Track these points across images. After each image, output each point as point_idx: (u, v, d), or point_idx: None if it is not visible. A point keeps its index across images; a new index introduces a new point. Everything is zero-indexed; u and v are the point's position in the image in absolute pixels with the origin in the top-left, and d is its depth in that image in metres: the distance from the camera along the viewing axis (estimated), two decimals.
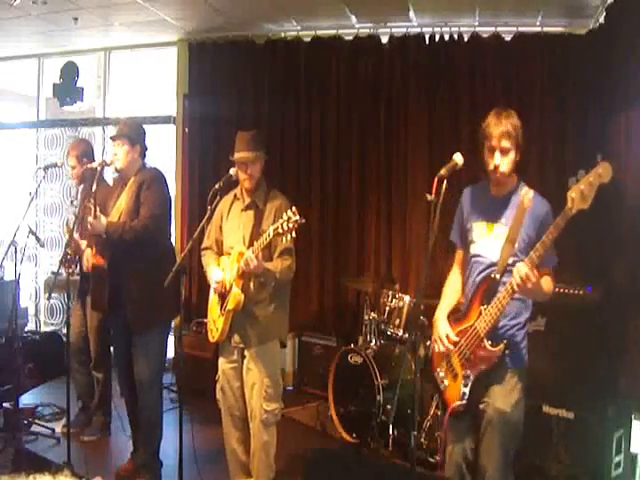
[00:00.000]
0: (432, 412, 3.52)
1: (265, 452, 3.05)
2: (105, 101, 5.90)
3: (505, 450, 2.35)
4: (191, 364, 4.64)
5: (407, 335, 3.84)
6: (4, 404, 3.92)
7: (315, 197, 4.99)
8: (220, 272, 3.02)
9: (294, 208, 2.63)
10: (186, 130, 5.40)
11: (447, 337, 2.41)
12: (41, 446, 3.69)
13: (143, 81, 5.90)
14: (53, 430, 3.90)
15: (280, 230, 2.62)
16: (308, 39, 5.01)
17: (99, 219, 3.09)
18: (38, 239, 3.91)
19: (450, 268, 2.67)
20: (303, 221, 2.59)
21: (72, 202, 4.07)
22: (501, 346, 2.27)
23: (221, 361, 3.13)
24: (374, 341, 4.12)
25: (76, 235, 3.60)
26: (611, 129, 3.84)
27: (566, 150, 4.33)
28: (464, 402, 2.34)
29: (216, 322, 3.04)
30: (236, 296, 2.89)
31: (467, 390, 2.34)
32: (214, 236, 3.18)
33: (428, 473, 3.38)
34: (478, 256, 2.44)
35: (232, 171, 3.02)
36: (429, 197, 2.26)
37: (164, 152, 5.47)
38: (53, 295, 5.65)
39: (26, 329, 5.63)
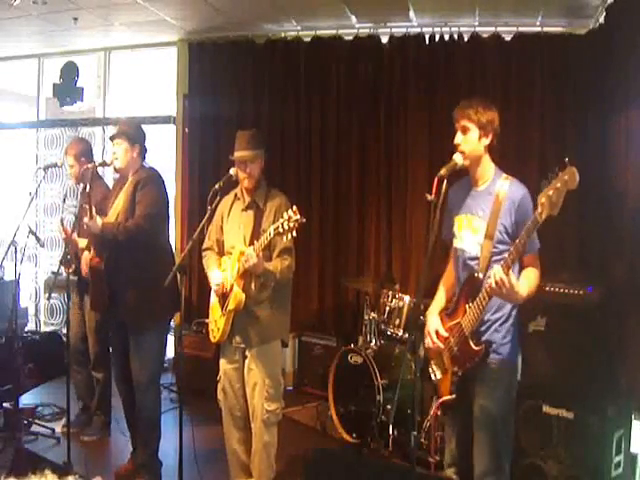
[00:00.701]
0: (432, 412, 3.51)
1: (266, 452, 3.05)
2: (105, 101, 5.90)
3: (494, 448, 2.34)
4: (191, 364, 4.63)
5: (407, 335, 3.84)
6: (4, 404, 3.92)
7: (315, 197, 4.99)
8: (220, 274, 3.02)
9: (295, 207, 2.63)
10: (186, 130, 5.40)
11: (437, 333, 2.45)
12: (41, 446, 3.69)
13: (143, 81, 5.90)
14: (53, 430, 3.90)
15: (281, 230, 2.62)
16: (308, 39, 5.01)
17: (95, 219, 3.09)
18: (38, 239, 3.91)
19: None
20: (304, 220, 2.59)
21: (64, 200, 4.07)
22: (482, 347, 2.29)
23: (222, 362, 3.13)
24: (374, 341, 4.12)
25: (74, 235, 3.60)
26: (611, 129, 3.84)
27: (566, 150, 4.33)
28: (454, 397, 2.38)
29: (217, 322, 3.04)
30: (237, 296, 2.89)
31: (455, 386, 2.38)
32: (215, 236, 3.18)
33: (428, 473, 3.38)
34: (459, 250, 2.49)
35: (232, 171, 3.02)
36: (429, 197, 2.26)
37: (164, 152, 5.46)
38: (53, 295, 5.65)
39: (26, 329, 5.63)
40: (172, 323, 4.27)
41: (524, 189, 2.35)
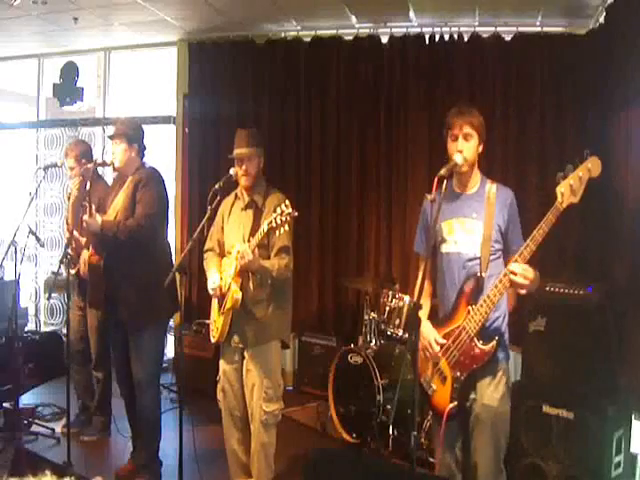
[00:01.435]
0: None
1: (264, 453, 3.05)
2: (105, 101, 5.90)
3: (496, 446, 2.36)
4: (191, 364, 4.63)
5: (407, 335, 3.84)
6: (4, 404, 3.92)
7: (315, 197, 4.99)
8: (217, 277, 3.01)
9: (287, 201, 2.65)
10: (186, 130, 5.40)
11: (435, 341, 2.38)
12: (41, 446, 3.68)
13: (143, 81, 5.90)
14: (53, 430, 3.90)
15: (274, 224, 2.62)
16: (308, 39, 5.01)
17: (94, 217, 3.10)
18: (38, 239, 3.91)
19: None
20: (296, 214, 2.61)
21: (69, 198, 4.08)
22: (493, 343, 2.28)
23: (222, 362, 3.13)
24: (374, 341, 4.12)
25: (76, 233, 3.61)
26: (611, 129, 3.84)
27: (566, 150, 4.32)
28: (455, 403, 2.34)
29: (216, 322, 3.04)
30: (234, 294, 2.88)
31: (457, 390, 2.34)
32: (216, 237, 3.18)
33: (428, 473, 3.38)
34: (452, 253, 2.43)
35: (232, 171, 3.02)
36: (429, 197, 2.26)
37: (164, 152, 5.47)
38: (53, 295, 5.65)
39: (26, 329, 5.62)
40: (172, 323, 4.28)
41: (510, 191, 2.44)
